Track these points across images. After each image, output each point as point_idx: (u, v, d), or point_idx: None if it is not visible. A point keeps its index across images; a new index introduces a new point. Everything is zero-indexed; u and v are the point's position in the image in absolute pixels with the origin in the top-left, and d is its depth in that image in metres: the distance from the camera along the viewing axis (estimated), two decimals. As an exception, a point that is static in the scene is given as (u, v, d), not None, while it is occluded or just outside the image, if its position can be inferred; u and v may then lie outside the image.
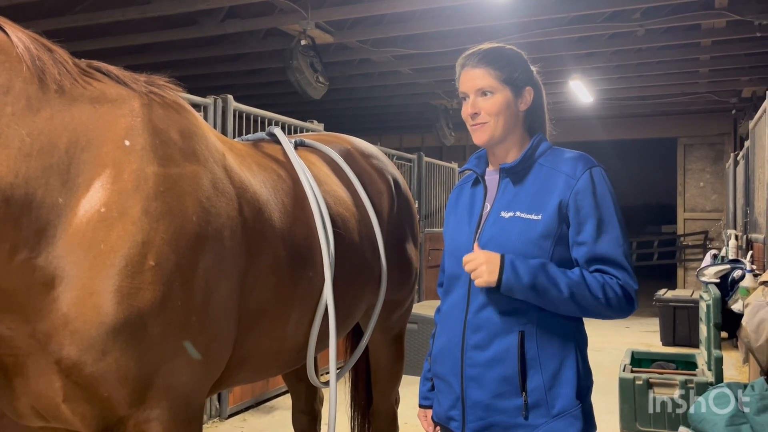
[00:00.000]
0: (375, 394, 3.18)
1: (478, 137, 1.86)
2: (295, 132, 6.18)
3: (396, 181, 3.09)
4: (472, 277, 1.74)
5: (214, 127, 5.16)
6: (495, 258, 1.71)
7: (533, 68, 1.92)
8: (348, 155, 2.88)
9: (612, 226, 1.75)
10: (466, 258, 1.76)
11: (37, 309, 1.58)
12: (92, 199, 1.63)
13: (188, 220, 1.76)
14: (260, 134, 2.67)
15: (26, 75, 1.62)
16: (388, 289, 2.82)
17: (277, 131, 2.60)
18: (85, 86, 1.74)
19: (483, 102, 1.83)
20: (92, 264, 1.59)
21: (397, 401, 3.29)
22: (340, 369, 2.95)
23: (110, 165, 1.67)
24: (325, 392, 3.39)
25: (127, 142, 1.72)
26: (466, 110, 1.86)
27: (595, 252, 1.74)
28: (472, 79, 1.84)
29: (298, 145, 2.72)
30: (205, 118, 5.16)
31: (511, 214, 1.79)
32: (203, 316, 1.78)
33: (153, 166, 1.74)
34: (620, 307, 1.73)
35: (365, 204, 2.74)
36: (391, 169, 3.14)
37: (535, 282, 1.68)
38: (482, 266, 1.71)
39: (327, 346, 2.39)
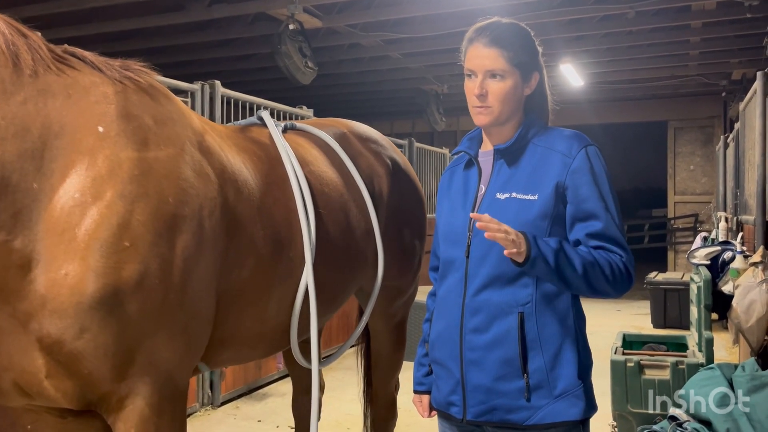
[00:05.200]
0: (375, 380, 3.18)
1: (481, 120, 1.82)
2: (286, 118, 6.13)
3: (396, 166, 3.03)
4: (498, 239, 1.62)
5: (202, 113, 5.11)
6: (520, 233, 1.65)
7: (540, 49, 1.88)
8: (343, 138, 2.84)
9: (609, 204, 1.75)
10: (493, 220, 1.64)
11: (15, 290, 1.62)
12: (66, 185, 1.66)
13: (164, 202, 1.79)
14: (251, 119, 2.65)
15: (0, 59, 1.63)
16: (389, 275, 2.78)
17: (265, 114, 2.58)
18: (59, 73, 1.76)
19: (493, 84, 1.78)
20: (67, 247, 1.63)
21: (397, 387, 3.29)
22: (331, 355, 2.94)
23: (84, 151, 1.70)
24: (327, 378, 3.39)
25: (100, 129, 1.74)
26: (471, 88, 1.80)
27: (596, 230, 1.73)
28: (482, 58, 1.78)
29: (288, 129, 2.68)
30: (193, 104, 5.11)
31: (507, 195, 1.78)
32: (182, 294, 1.81)
33: (127, 151, 1.76)
34: (622, 283, 1.74)
35: (359, 186, 2.69)
36: (392, 153, 3.08)
37: (557, 260, 1.66)
38: (512, 237, 1.63)
39: (318, 326, 2.36)
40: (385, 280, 2.76)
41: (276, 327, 2.30)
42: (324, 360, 2.84)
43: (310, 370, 3.21)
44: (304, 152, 2.55)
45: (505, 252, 1.64)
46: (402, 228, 2.96)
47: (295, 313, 2.29)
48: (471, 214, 1.73)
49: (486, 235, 1.64)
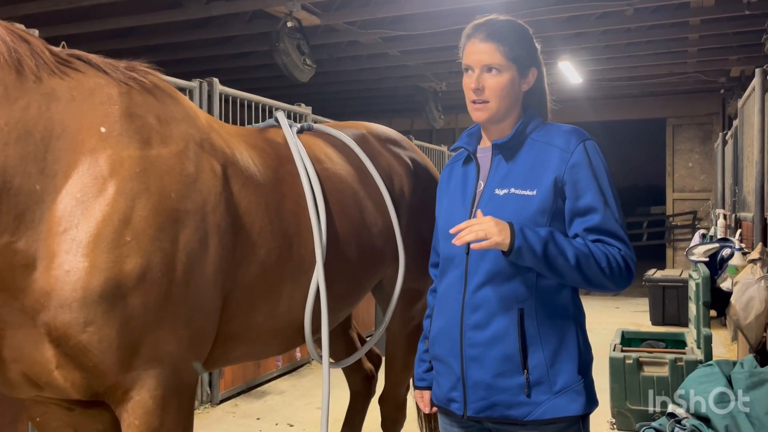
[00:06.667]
0: (387, 381, 3.15)
1: (478, 116, 1.83)
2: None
3: (417, 166, 3.01)
4: (479, 237, 1.65)
5: (201, 111, 5.09)
6: (504, 223, 1.67)
7: (538, 46, 1.89)
8: (362, 139, 2.83)
9: (609, 198, 1.75)
10: (471, 221, 1.69)
11: (21, 288, 1.68)
12: (69, 185, 1.71)
13: (166, 197, 1.82)
14: (269, 121, 2.65)
15: (3, 65, 1.67)
16: (409, 277, 2.74)
17: (279, 115, 2.59)
18: (63, 76, 1.79)
19: (489, 79, 1.79)
20: (69, 245, 1.68)
21: (407, 388, 3.29)
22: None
23: (86, 152, 1.74)
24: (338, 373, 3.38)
25: (103, 129, 1.78)
26: (468, 83, 1.81)
27: (594, 223, 1.73)
28: (479, 53, 1.79)
29: (305, 130, 2.68)
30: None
31: (505, 191, 1.78)
32: (185, 287, 1.84)
33: (129, 149, 1.80)
34: (621, 277, 1.72)
35: (378, 184, 2.67)
36: (413, 154, 3.06)
37: (545, 249, 1.66)
38: (492, 228, 1.65)
39: (332, 323, 2.36)
40: (405, 282, 2.72)
41: (289, 323, 2.29)
42: (343, 360, 2.90)
43: (360, 365, 3.23)
44: (317, 150, 2.55)
45: (475, 246, 1.66)
46: (423, 229, 2.87)
47: (307, 309, 2.28)
48: (453, 240, 1.71)
49: (457, 243, 1.68)
